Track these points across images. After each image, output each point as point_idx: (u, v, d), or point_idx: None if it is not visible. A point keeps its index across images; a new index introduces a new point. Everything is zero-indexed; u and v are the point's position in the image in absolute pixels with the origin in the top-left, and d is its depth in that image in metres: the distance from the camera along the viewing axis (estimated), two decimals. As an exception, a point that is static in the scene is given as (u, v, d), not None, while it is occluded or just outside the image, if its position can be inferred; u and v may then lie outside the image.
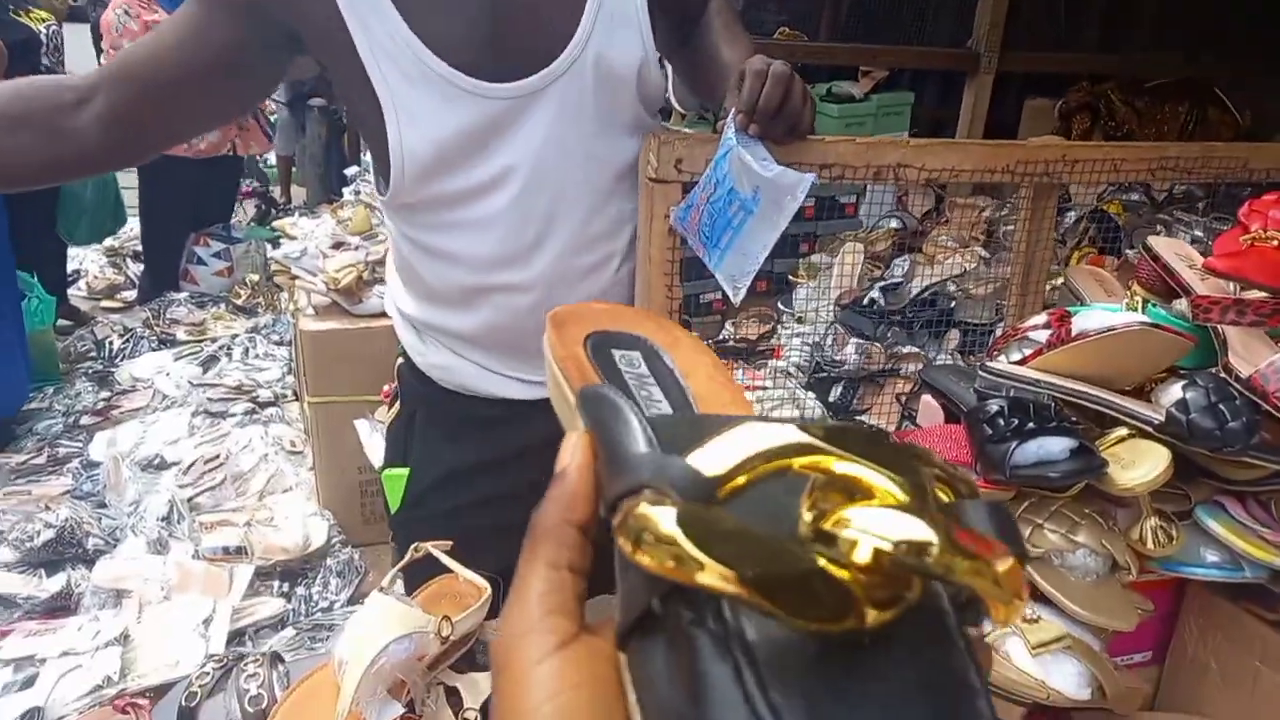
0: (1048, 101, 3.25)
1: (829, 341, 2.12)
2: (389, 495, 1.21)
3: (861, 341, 2.06)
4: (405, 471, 1.19)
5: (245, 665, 0.90)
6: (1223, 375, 0.88)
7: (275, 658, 0.93)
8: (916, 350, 2.09)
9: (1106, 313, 0.94)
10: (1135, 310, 1.03)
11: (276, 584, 2.25)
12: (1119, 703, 0.91)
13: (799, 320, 2.37)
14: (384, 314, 2.46)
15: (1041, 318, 1.02)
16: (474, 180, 0.97)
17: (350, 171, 3.94)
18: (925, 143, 1.15)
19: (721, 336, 2.35)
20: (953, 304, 2.19)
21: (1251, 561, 0.88)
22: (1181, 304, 1.00)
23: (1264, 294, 0.92)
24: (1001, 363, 0.98)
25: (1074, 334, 0.93)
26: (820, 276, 2.55)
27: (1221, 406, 0.84)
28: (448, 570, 0.97)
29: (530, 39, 0.94)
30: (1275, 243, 0.94)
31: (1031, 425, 0.87)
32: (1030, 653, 0.83)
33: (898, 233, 2.62)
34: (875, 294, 2.24)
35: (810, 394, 2.03)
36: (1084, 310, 0.96)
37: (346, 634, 0.84)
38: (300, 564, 2.31)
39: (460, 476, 1.16)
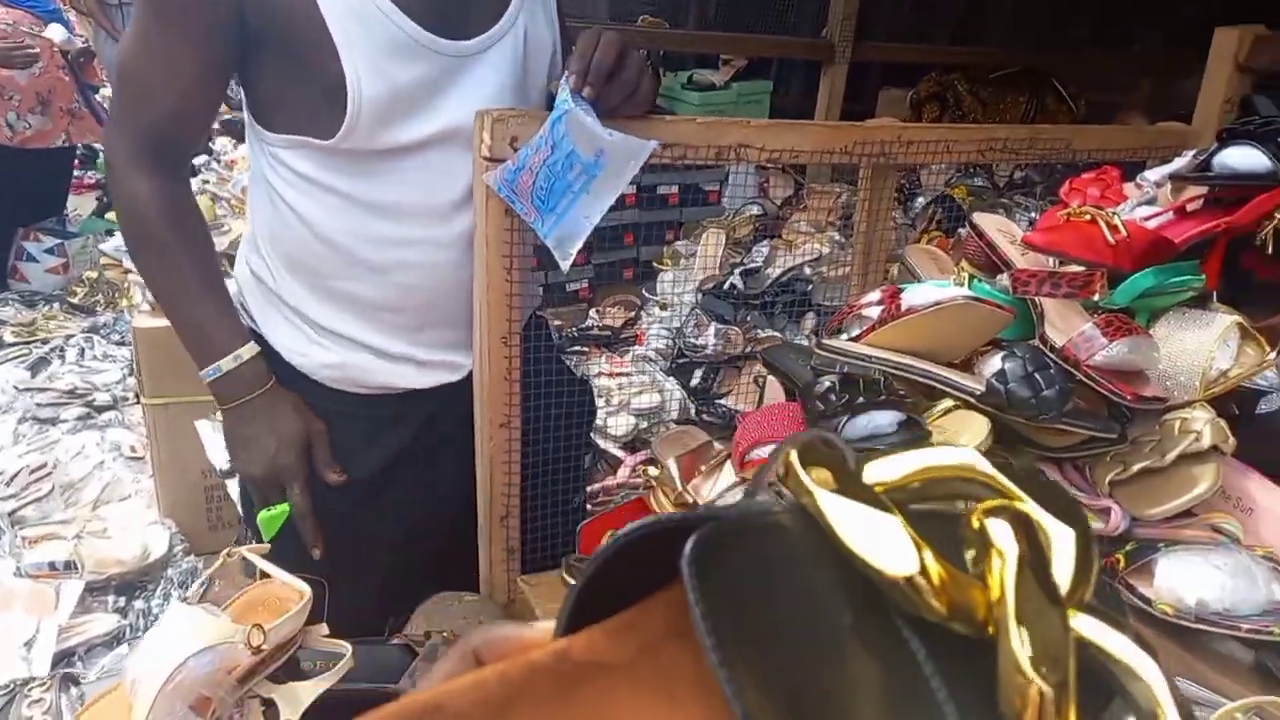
0: (901, 92, 3.35)
1: (690, 326, 2.12)
2: (264, 533, 1.07)
3: (721, 326, 2.07)
4: (284, 509, 1.07)
5: (30, 691, 0.81)
6: (1039, 346, 0.91)
7: (67, 680, 0.85)
8: (775, 334, 2.12)
9: (934, 288, 0.95)
10: (962, 286, 1.05)
11: (111, 599, 2.09)
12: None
13: (662, 307, 2.37)
14: (227, 308, 2.32)
15: (876, 294, 1.03)
16: (420, 132, 0.99)
17: (199, 161, 3.73)
18: (765, 124, 1.14)
19: (585, 324, 2.32)
20: (809, 287, 2.22)
21: (1069, 525, 0.91)
22: (1004, 279, 1.03)
23: (1078, 267, 0.95)
24: (837, 340, 0.99)
25: (903, 310, 0.94)
26: (684, 263, 2.55)
27: (1037, 376, 0.86)
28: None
29: (475, 3, 1.01)
30: (1088, 217, 0.97)
31: (861, 400, 0.87)
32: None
33: (758, 219, 2.65)
34: (735, 279, 2.25)
35: (672, 379, 2.03)
36: (913, 286, 0.97)
37: (141, 649, 0.77)
38: (138, 576, 2.16)
39: (343, 491, 1.08)
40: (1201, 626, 0.79)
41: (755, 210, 2.66)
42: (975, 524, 0.25)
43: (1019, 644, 0.23)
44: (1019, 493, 0.26)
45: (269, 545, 0.90)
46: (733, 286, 2.25)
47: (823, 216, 2.56)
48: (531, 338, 1.19)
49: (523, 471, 1.12)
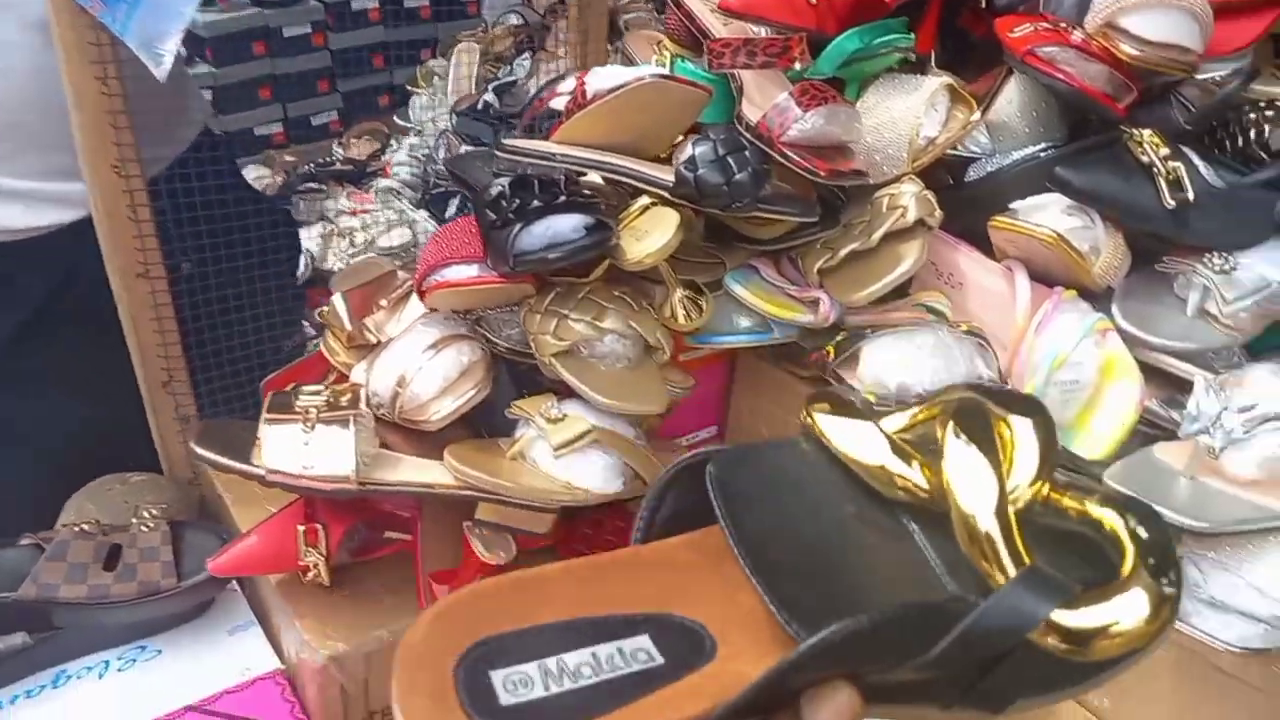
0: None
1: (442, 153, 1.93)
2: None
3: (474, 149, 1.88)
4: None
5: None
6: (735, 126, 0.80)
7: None
8: (535, 154, 1.95)
9: (620, 69, 0.82)
10: (664, 66, 0.93)
11: None
12: (670, 487, 0.87)
13: (418, 133, 2.14)
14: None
15: (569, 83, 0.89)
16: None
17: None
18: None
19: (328, 160, 2.08)
20: (572, 101, 2.05)
21: (778, 322, 0.84)
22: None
23: (777, 33, 0.83)
24: (518, 139, 0.85)
25: (589, 97, 0.81)
26: (438, 84, 2.31)
27: (730, 159, 0.75)
28: None
29: None
30: (789, -26, 0.85)
31: (537, 204, 0.75)
32: (555, 455, 0.75)
33: (519, 29, 2.42)
34: (489, 97, 2.04)
35: (423, 212, 1.85)
36: (599, 69, 0.83)
37: None
38: None
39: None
40: (901, 412, 0.74)
41: (515, 20, 2.42)
42: (939, 431, 0.35)
43: (959, 498, 0.33)
44: (981, 399, 0.35)
45: None
46: (488, 105, 2.05)
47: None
48: (193, 164, 1.00)
49: (194, 325, 0.95)
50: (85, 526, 0.79)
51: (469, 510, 0.76)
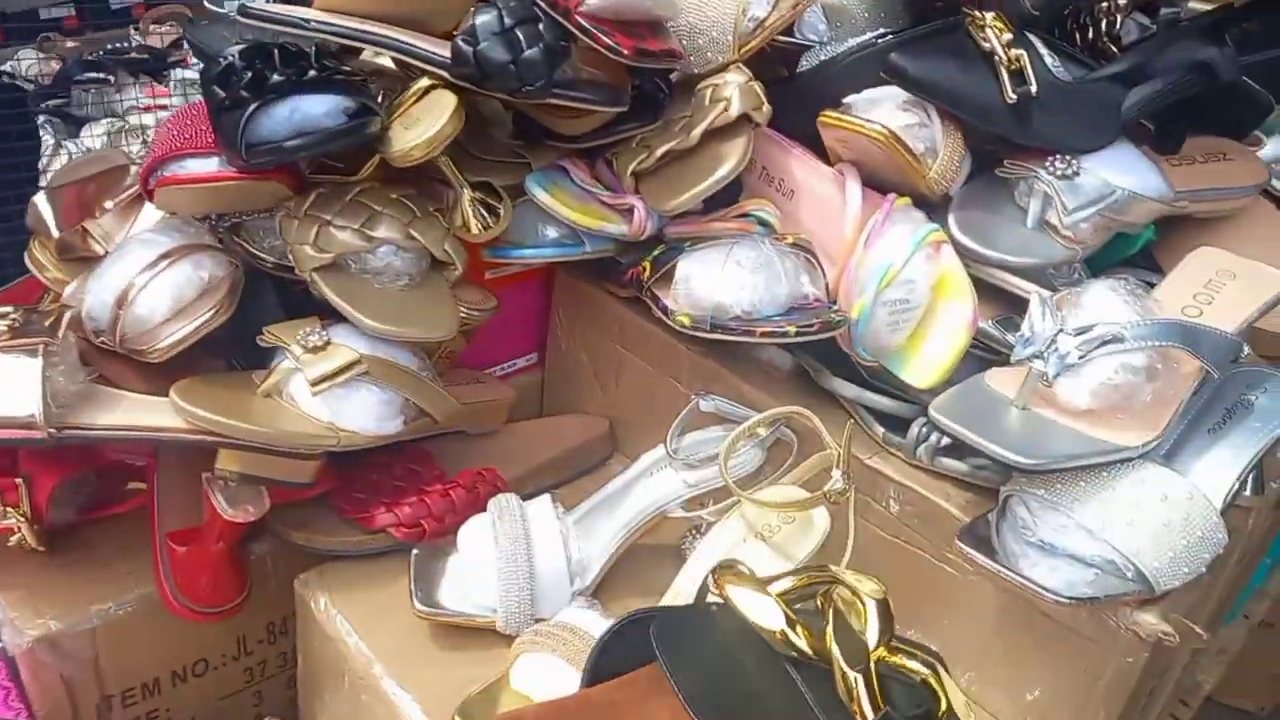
0: None
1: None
2: None
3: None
4: None
5: None
6: (529, -9, 0.68)
7: None
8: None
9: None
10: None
11: None
12: (471, 422, 0.77)
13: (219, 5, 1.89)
14: None
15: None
16: None
17: None
18: None
19: (120, 47, 1.82)
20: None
21: (589, 233, 0.73)
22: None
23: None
24: (271, 5, 0.70)
25: (354, -49, 0.67)
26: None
27: (518, 31, 0.63)
28: None
29: None
30: None
31: (277, 79, 0.61)
32: (312, 391, 0.63)
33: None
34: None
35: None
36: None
37: None
38: None
39: None
40: (719, 336, 0.65)
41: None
42: (819, 604, 0.50)
43: (839, 659, 0.46)
44: (849, 581, 0.50)
45: None
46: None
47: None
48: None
49: None
50: None
51: (212, 459, 0.63)
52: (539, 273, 0.86)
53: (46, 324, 0.60)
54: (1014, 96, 0.65)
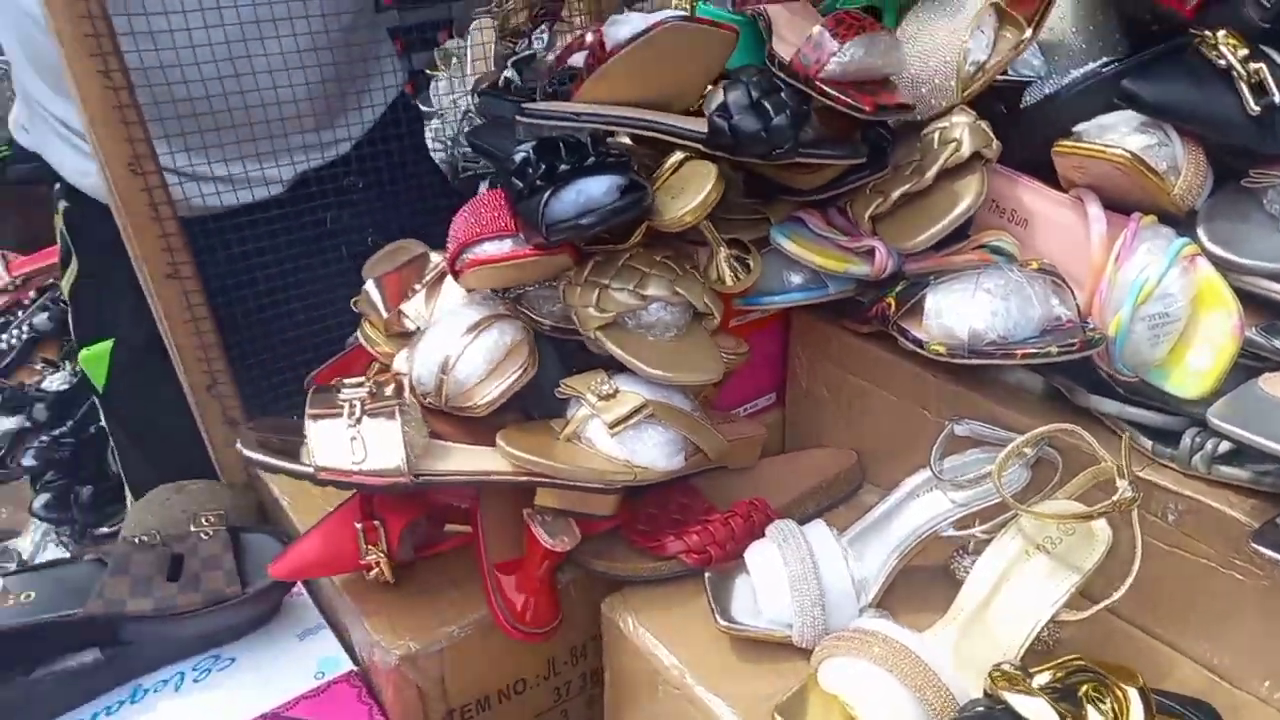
0: None
1: (465, 135, 1.89)
2: (93, 380, 1.03)
3: (500, 126, 1.84)
4: (107, 346, 1.00)
5: None
6: (768, 66, 0.75)
7: None
8: (562, 125, 1.91)
9: (640, 16, 0.78)
10: (684, 10, 0.88)
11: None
12: (733, 458, 0.83)
13: (441, 117, 2.11)
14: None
15: (587, 36, 0.85)
16: None
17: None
18: None
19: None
20: (595, 67, 2.00)
21: (832, 276, 0.79)
22: (734, -3, 0.86)
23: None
24: (540, 102, 0.81)
25: (608, 50, 0.77)
26: (456, 64, 2.27)
27: (765, 102, 0.71)
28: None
29: None
30: (815, -99, 0.80)
31: (564, 168, 0.71)
32: (610, 434, 0.71)
33: (534, 2, 2.36)
34: (509, 73, 2.00)
35: (456, 199, 1.82)
36: (618, 18, 0.79)
37: None
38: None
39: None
40: (977, 362, 0.69)
41: (530, -10, 2.37)
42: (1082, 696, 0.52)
43: None
44: (1106, 673, 0.53)
45: None
46: (509, 82, 2.00)
47: (603, -14, 2.29)
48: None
49: (249, 315, 0.94)
50: (144, 538, 0.78)
51: (528, 497, 0.73)
52: (776, 317, 0.92)
53: (389, 390, 0.72)
54: (1257, 109, 0.66)
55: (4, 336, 1.53)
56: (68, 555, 1.46)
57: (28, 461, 1.37)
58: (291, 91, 0.93)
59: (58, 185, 1.00)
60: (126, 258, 0.94)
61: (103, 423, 1.38)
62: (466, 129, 1.88)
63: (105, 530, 1.39)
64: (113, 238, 0.95)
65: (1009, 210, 0.80)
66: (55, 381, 1.45)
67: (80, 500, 1.37)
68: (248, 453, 0.68)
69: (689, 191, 0.72)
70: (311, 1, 0.92)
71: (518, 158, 0.72)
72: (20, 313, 1.63)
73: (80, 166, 0.95)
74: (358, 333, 0.96)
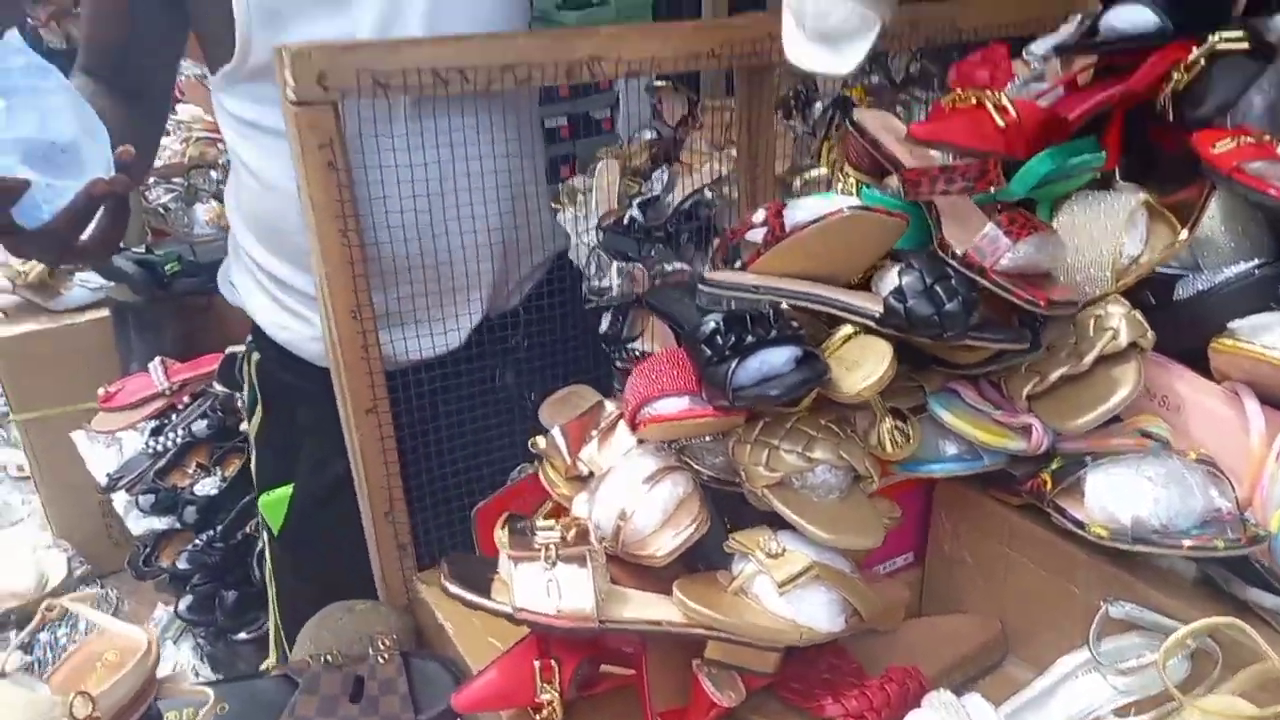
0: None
1: (592, 270, 2.00)
2: (269, 522, 1.09)
3: (624, 265, 1.95)
4: (287, 491, 1.06)
5: None
6: (938, 253, 0.82)
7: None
8: (683, 266, 2.01)
9: (819, 201, 0.85)
10: (850, 194, 0.96)
11: (14, 634, 1.95)
12: (881, 620, 0.86)
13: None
14: (90, 306, 2.14)
15: (760, 214, 0.93)
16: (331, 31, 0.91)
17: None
18: (618, 30, 1.01)
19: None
20: (713, 210, 2.11)
21: (988, 449, 0.83)
22: (894, 181, 0.94)
23: (969, 158, 0.85)
24: (719, 272, 0.89)
25: (787, 229, 0.84)
26: (581, 200, 2.42)
27: (937, 288, 0.77)
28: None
29: None
30: (974, 101, 0.88)
31: (750, 339, 0.77)
32: (779, 592, 0.75)
33: (654, 143, 2.52)
34: (634, 212, 2.13)
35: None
36: (796, 202, 0.87)
37: (-64, 746, 0.66)
38: (39, 606, 2.01)
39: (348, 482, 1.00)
40: (1141, 549, 0.72)
41: (650, 135, 2.53)
42: None
43: None
44: None
45: (91, 594, 0.78)
46: (633, 220, 2.13)
47: (720, 133, 2.44)
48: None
49: (425, 451, 1.01)
50: (329, 658, 0.83)
51: (694, 646, 0.77)
52: (920, 480, 0.96)
53: (571, 535, 0.77)
54: None
55: (160, 440, 1.64)
56: (198, 657, 1.53)
57: (182, 564, 1.46)
58: (475, 241, 1.01)
59: (250, 338, 1.10)
60: (312, 407, 1.03)
61: (250, 530, 1.47)
62: (594, 263, 2.00)
63: (245, 636, 1.45)
64: (300, 388, 1.05)
65: (1160, 395, 0.83)
66: (206, 486, 1.55)
67: (225, 605, 1.44)
68: (452, 588, 0.73)
69: (865, 366, 0.77)
70: (497, 160, 1.01)
71: (707, 328, 0.79)
72: (174, 416, 1.75)
73: (280, 320, 1.04)
74: (516, 472, 1.03)
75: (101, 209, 0.83)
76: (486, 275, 1.04)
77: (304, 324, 1.03)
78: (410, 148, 0.91)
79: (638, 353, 1.90)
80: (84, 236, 0.84)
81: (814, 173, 2.15)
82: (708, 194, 2.14)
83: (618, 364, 1.89)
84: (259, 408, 1.11)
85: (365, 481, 0.96)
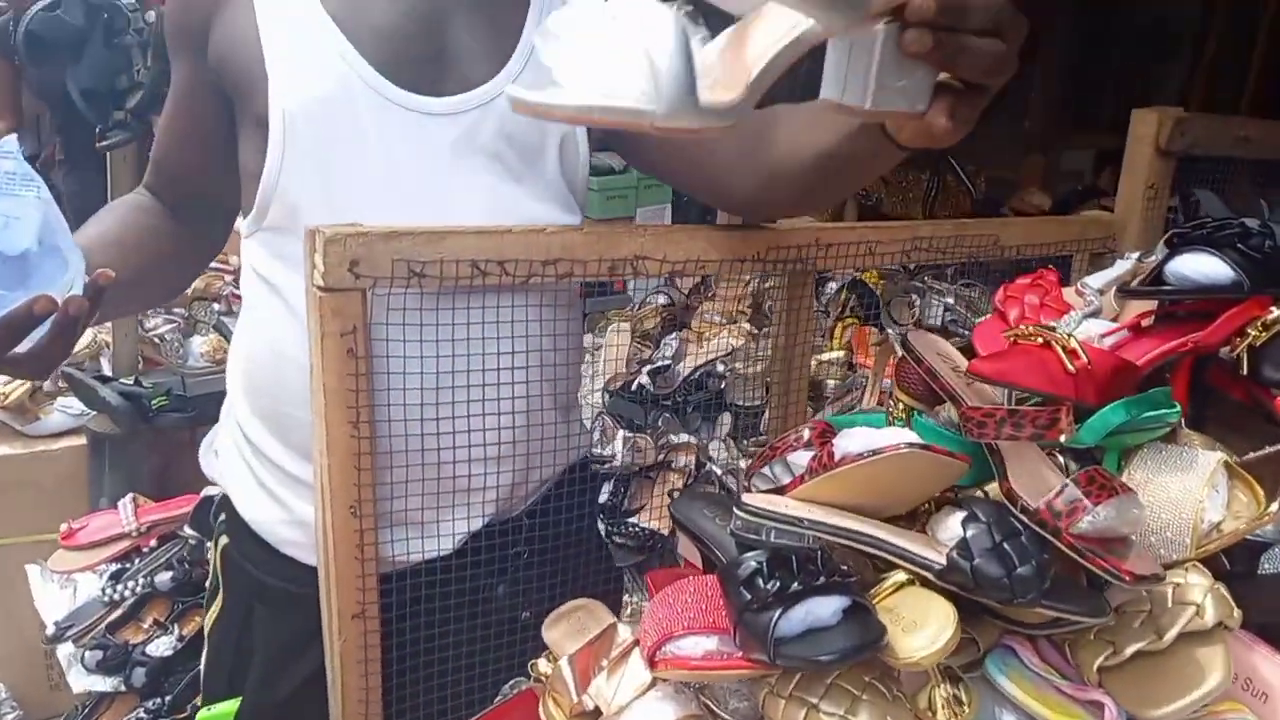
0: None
1: (597, 435, 1.94)
2: None
3: (629, 434, 1.89)
4: (231, 708, 0.95)
5: None
6: (1005, 505, 0.75)
7: None
8: (689, 440, 1.95)
9: (870, 430, 0.79)
10: (900, 421, 0.90)
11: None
12: None
13: (566, 410, 2.18)
14: (67, 432, 2.05)
15: (804, 432, 0.87)
16: None
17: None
18: (665, 230, 0.98)
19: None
20: (723, 384, 2.07)
21: (1053, 725, 0.74)
22: (948, 410, 0.88)
23: (1037, 402, 0.80)
24: (758, 496, 0.81)
25: (836, 459, 0.78)
26: (589, 359, 2.38)
27: (1006, 546, 0.70)
28: None
29: (462, 50, 0.91)
30: (1040, 340, 0.83)
31: (796, 586, 0.70)
32: None
33: (666, 309, 2.50)
34: (644, 379, 2.08)
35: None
36: (847, 429, 0.80)
37: None
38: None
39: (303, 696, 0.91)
40: None
41: (663, 300, 2.51)
42: None
43: None
44: None
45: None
46: (641, 387, 2.08)
47: (733, 305, 2.43)
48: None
49: (412, 662, 0.91)
50: None
51: None
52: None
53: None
54: None
55: (118, 588, 1.52)
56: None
57: (122, 740, 1.32)
58: (483, 438, 0.93)
59: (223, 517, 1.01)
60: (274, 609, 0.94)
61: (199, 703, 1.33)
62: (600, 428, 1.93)
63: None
64: (265, 587, 0.95)
65: (1243, 678, 0.75)
66: (160, 646, 1.42)
67: (164, 792, 1.29)
68: None
69: (926, 630, 0.69)
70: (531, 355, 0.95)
71: (748, 568, 0.71)
72: (138, 560, 1.63)
73: (254, 497, 0.95)
74: (508, 687, 0.92)
75: (45, 326, 0.77)
76: (492, 479, 0.95)
77: (278, 506, 0.94)
78: (439, 339, 0.84)
79: (637, 528, 1.81)
80: (20, 349, 0.77)
81: (828, 355, 2.12)
82: (719, 367, 2.10)
83: (615, 539, 1.80)
84: (219, 597, 1.01)
85: (340, 691, 0.85)
